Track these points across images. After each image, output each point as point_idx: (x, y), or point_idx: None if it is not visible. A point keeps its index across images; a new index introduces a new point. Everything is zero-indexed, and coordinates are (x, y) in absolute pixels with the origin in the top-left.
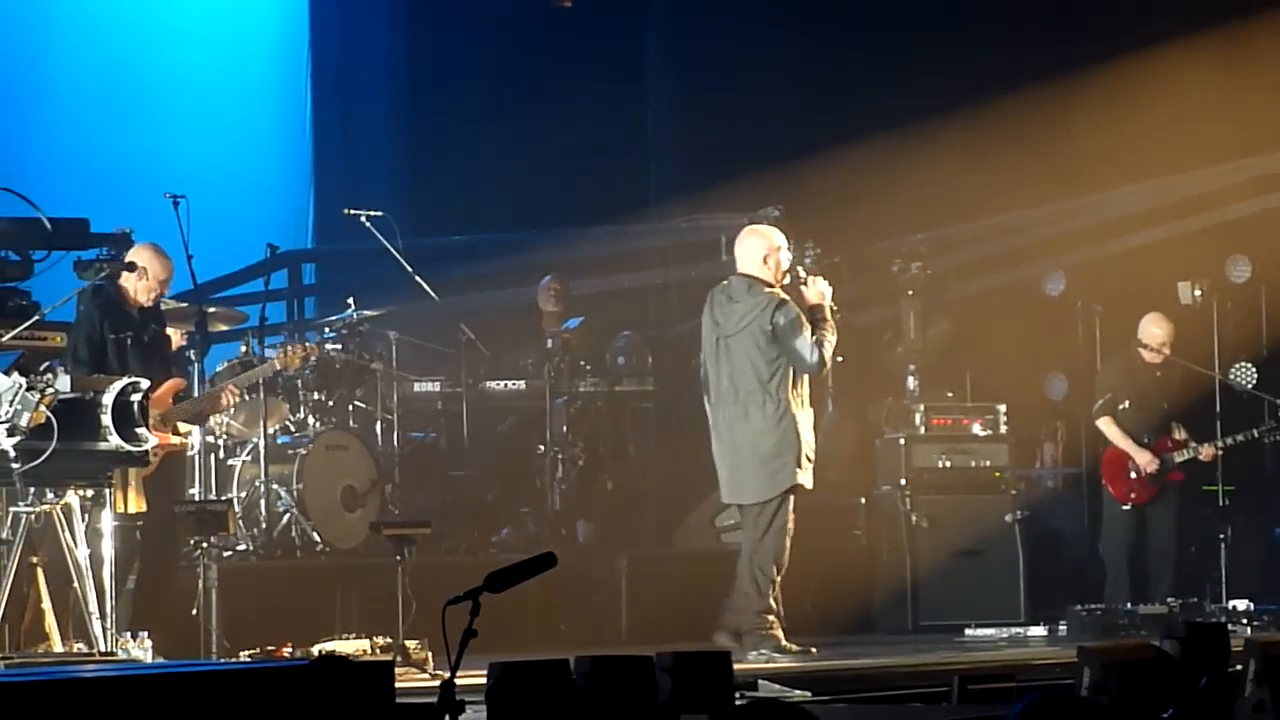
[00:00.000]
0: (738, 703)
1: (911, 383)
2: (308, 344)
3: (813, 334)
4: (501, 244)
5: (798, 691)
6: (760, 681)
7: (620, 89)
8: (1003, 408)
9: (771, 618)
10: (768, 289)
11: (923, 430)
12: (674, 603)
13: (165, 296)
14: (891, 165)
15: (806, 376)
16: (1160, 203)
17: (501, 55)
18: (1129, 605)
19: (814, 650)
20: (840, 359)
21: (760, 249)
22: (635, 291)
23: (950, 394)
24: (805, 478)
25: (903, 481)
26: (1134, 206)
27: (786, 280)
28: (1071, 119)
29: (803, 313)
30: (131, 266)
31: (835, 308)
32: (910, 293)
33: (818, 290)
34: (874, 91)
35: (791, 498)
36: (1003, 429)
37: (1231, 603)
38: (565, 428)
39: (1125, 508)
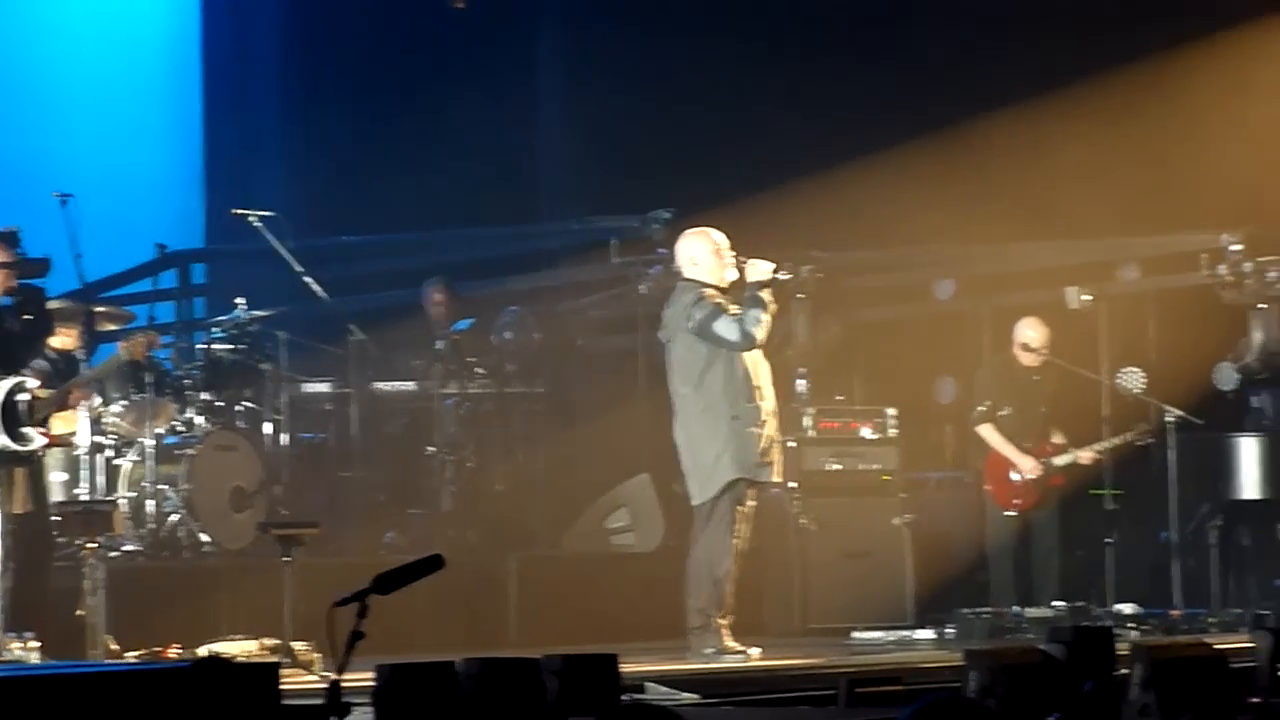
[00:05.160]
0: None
1: (801, 386)
2: (148, 330)
3: (738, 312)
4: (393, 245)
5: (686, 694)
6: (647, 684)
7: (512, 91)
8: (892, 411)
9: (712, 618)
10: (694, 289)
11: (812, 433)
12: (563, 605)
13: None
14: (783, 173)
15: (755, 366)
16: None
17: (394, 57)
18: (1016, 608)
19: (753, 652)
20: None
21: (686, 252)
22: (527, 293)
23: (840, 397)
24: (757, 471)
25: (791, 484)
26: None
27: (727, 279)
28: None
29: (742, 293)
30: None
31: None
32: (800, 295)
33: (758, 268)
34: (767, 97)
35: (731, 496)
36: (891, 432)
37: (1118, 606)
38: (455, 429)
39: (1009, 513)
